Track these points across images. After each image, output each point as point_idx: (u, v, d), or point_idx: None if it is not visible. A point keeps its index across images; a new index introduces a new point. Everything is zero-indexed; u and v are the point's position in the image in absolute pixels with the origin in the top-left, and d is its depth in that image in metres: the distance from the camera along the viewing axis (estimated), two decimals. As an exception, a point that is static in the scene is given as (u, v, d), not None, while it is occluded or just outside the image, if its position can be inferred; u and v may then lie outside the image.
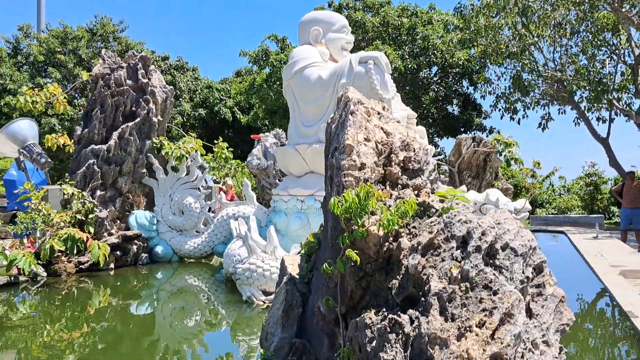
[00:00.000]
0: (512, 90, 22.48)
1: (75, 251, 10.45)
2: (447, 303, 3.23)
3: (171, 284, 11.16)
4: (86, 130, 11.86)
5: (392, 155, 4.39)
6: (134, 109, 12.17)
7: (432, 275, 3.45)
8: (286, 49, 29.73)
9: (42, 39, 37.11)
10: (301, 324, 4.73)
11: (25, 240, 11.04)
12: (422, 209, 4.12)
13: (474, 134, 31.68)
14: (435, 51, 27.47)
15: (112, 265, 11.53)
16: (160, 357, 6.19)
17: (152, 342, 6.88)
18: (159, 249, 12.38)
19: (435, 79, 30.45)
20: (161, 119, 12.56)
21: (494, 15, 22.26)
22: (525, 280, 3.42)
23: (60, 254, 10.67)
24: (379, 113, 4.59)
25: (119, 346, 6.66)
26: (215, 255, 12.61)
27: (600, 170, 28.77)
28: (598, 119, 24.40)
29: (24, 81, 34.07)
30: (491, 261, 3.43)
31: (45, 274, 10.58)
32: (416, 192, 4.41)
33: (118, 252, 11.67)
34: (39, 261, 10.49)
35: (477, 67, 25.20)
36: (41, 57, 35.75)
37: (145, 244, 12.32)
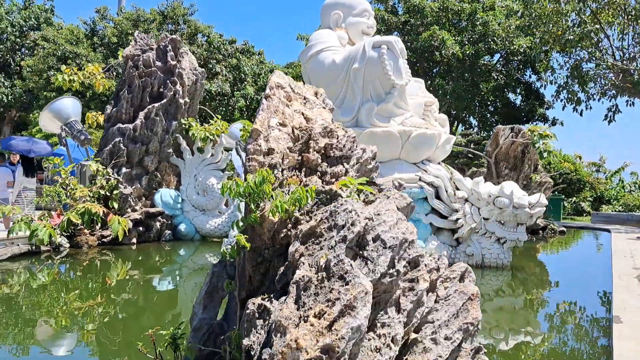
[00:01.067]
0: (570, 80, 21.44)
1: (92, 224, 10.93)
2: (302, 291, 3.20)
3: (193, 261, 11.48)
4: (115, 109, 12.34)
5: (310, 141, 4.34)
6: (161, 90, 12.52)
7: (304, 263, 3.41)
8: (344, 33, 29.50)
9: (117, 21, 38.70)
10: (228, 307, 4.78)
11: (53, 213, 11.63)
12: (328, 197, 4.06)
13: (536, 124, 30.48)
14: (495, 37, 26.52)
15: (134, 240, 11.97)
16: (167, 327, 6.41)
17: (160, 315, 7.05)
18: (182, 227, 12.75)
19: (497, 66, 29.44)
20: (188, 100, 12.85)
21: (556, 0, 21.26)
22: (395, 273, 3.33)
23: (82, 227, 11.18)
24: (305, 98, 4.54)
25: (131, 316, 6.86)
26: (236, 235, 12.85)
27: (674, 166, 27.08)
28: (667, 112, 22.94)
29: (98, 61, 35.54)
30: (361, 252, 3.36)
31: (68, 245, 11.14)
32: (334, 179, 4.35)
33: (141, 228, 12.10)
34: (63, 233, 11.04)
35: (540, 55, 24.09)
36: (114, 39, 37.30)
37: (170, 222, 12.71)
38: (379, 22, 28.71)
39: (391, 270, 3.32)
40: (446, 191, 10.16)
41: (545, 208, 10.03)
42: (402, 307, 3.34)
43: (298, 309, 3.13)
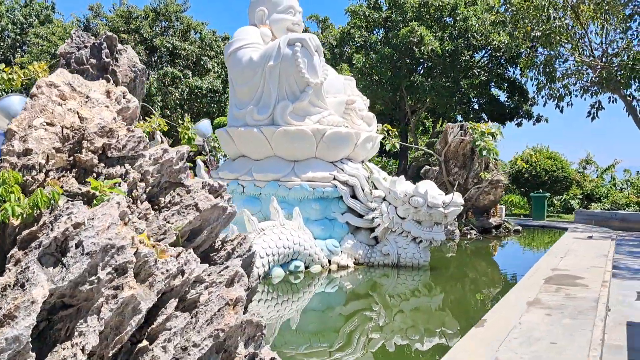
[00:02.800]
0: (542, 77, 21.05)
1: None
2: (-16, 300, 3.08)
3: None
4: (46, 107, 12.29)
5: (84, 141, 4.22)
6: (94, 87, 12.41)
7: (10, 270, 3.30)
8: (327, 29, 29.33)
9: (109, 18, 38.87)
10: None
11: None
12: (85, 199, 3.95)
13: (520, 121, 30.07)
14: (475, 33, 26.13)
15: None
16: None
17: None
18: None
19: (480, 62, 29.00)
20: (124, 98, 12.74)
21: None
22: (96, 281, 3.21)
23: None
24: (88, 97, 4.41)
25: None
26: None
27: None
28: (644, 108, 22.42)
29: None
30: (62, 259, 3.24)
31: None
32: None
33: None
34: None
35: (511, 50, 23.70)
36: (105, 36, 37.48)
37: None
38: (361, 19, 28.44)
39: (92, 278, 3.20)
40: (362, 190, 9.99)
41: (461, 208, 9.82)
42: (101, 316, 3.22)
43: (-25, 318, 3.02)
